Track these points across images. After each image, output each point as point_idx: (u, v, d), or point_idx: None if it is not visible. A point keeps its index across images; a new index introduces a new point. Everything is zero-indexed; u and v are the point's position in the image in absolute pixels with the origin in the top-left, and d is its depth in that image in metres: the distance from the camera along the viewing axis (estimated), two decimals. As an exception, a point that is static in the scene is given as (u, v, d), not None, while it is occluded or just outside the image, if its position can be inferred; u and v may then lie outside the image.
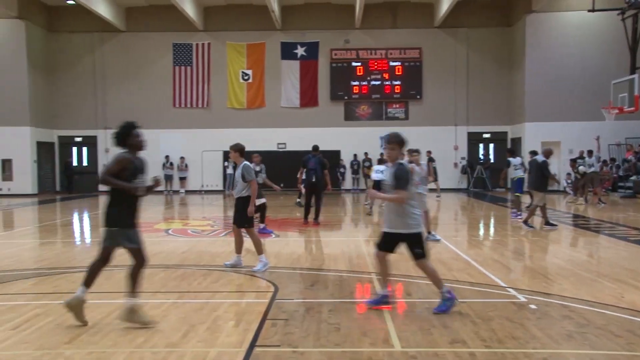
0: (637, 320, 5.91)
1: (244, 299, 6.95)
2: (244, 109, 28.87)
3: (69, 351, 4.99)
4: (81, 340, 5.29)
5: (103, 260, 5.78)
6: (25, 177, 27.08)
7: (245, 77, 28.87)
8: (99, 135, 28.96)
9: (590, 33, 25.85)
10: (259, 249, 8.54)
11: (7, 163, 27.24)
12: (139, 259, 5.80)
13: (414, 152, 10.50)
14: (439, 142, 27.54)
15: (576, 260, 9.42)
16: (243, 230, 8.70)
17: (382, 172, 18.65)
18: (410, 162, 9.59)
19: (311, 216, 14.42)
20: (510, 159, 16.15)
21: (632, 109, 20.14)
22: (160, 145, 28.47)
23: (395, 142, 6.22)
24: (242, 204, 8.54)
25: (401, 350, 5.02)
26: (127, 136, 5.75)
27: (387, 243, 6.31)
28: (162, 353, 4.94)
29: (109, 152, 28.80)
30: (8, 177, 27.25)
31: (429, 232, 11.09)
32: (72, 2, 25.66)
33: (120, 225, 5.69)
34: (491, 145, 29.09)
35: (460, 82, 28.49)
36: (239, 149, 8.66)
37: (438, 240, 11.23)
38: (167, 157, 28.54)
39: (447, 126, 28.54)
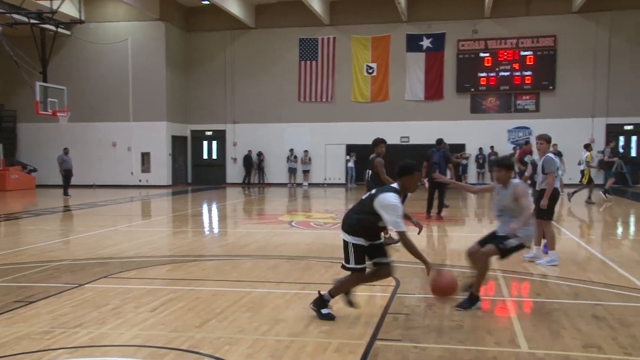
0: None
1: (365, 292, 6.93)
2: (368, 102, 28.90)
3: (199, 335, 5.24)
4: (210, 325, 5.53)
5: None
6: (161, 169, 28.93)
7: (370, 71, 28.88)
8: (228, 129, 30.30)
9: None
10: (552, 244, 8.33)
11: (146, 156, 29.21)
12: None
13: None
14: (573, 134, 25.96)
15: None
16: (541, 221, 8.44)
17: None
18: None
19: (434, 211, 14.18)
20: None
21: None
22: (284, 139, 29.31)
23: None
24: (540, 195, 8.36)
25: (528, 352, 4.78)
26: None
27: None
28: (285, 342, 5.05)
29: (236, 145, 30.12)
30: (146, 169, 29.23)
31: None
32: (207, 2, 26.97)
33: None
34: (633, 138, 27.04)
35: (600, 71, 26.64)
36: (547, 139, 8.50)
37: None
38: (291, 150, 29.28)
39: (583, 118, 26.83)
